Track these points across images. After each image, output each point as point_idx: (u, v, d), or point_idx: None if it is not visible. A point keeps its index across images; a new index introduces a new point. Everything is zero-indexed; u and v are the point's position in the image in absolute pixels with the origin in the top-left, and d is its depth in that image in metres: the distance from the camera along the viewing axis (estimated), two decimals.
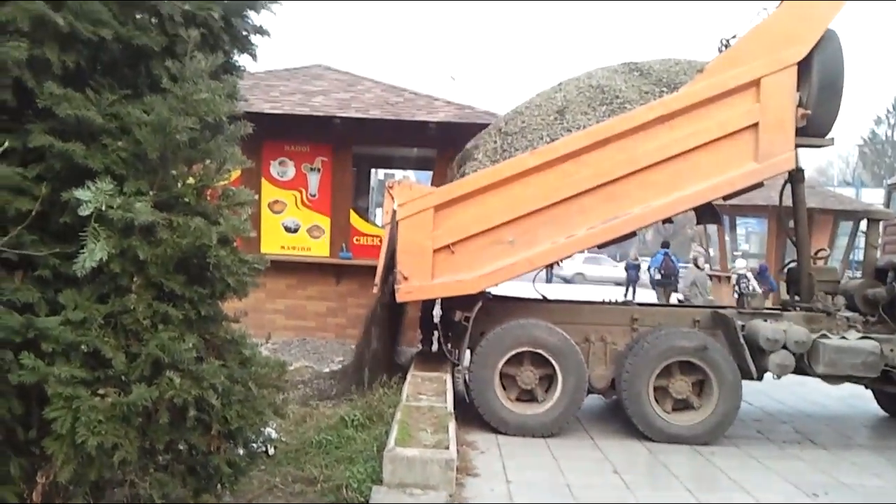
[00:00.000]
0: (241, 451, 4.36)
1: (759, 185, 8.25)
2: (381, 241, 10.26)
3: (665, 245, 21.39)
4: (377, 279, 8.87)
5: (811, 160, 69.67)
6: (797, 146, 8.01)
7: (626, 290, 29.97)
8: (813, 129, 8.08)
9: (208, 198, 4.24)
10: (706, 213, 8.77)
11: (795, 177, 9.18)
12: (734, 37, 8.41)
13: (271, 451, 6.03)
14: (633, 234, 8.33)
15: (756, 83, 7.86)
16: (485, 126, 11.92)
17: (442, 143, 12.37)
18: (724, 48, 8.56)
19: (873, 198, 32.43)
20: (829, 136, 8.25)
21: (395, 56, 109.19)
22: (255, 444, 4.56)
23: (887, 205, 10.11)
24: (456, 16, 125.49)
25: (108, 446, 3.49)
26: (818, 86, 7.94)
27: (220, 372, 3.89)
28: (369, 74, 14.04)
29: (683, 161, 7.85)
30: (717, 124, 7.87)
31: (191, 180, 4.16)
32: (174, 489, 4.03)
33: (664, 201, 7.89)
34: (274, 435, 5.79)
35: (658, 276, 21.09)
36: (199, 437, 4.02)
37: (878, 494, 6.67)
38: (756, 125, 7.87)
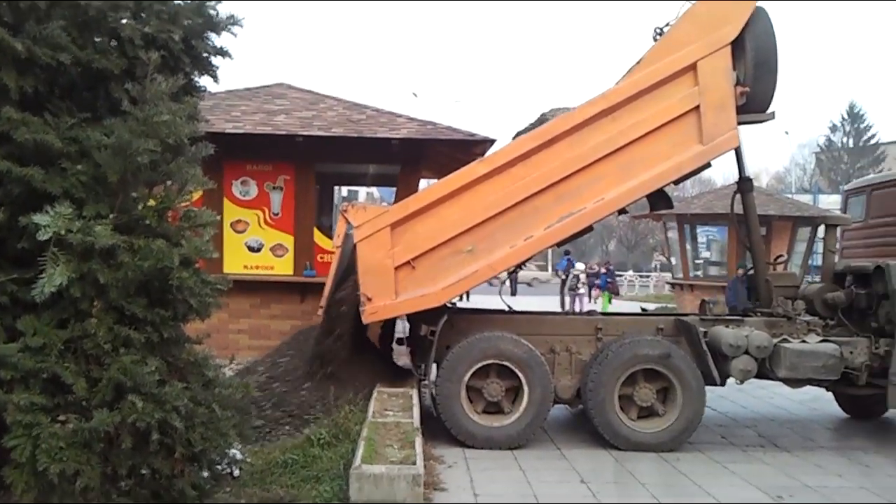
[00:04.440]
0: (205, 474, 4.34)
1: (707, 165, 8.37)
2: None
3: (567, 252, 25.22)
4: (322, 301, 8.83)
5: (769, 167, 70.95)
6: (739, 124, 8.15)
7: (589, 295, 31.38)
8: (753, 105, 8.23)
9: (170, 219, 4.23)
10: (659, 199, 8.88)
11: (744, 186, 9.37)
12: (667, 25, 8.54)
13: (236, 472, 5.97)
14: (590, 228, 8.43)
15: (693, 67, 7.99)
16: (449, 141, 12.04)
17: (405, 160, 12.41)
18: (658, 36, 8.67)
19: (830, 204, 33.03)
20: (769, 111, 8.40)
21: (358, 73, 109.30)
22: (219, 466, 4.54)
23: (844, 210, 10.32)
24: (419, 32, 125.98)
25: (70, 473, 3.47)
26: (753, 62, 8.09)
27: (183, 394, 3.88)
28: (331, 92, 14.05)
29: (631, 151, 7.95)
30: (659, 112, 7.99)
31: (152, 202, 4.16)
32: None
33: (616, 193, 7.98)
34: (239, 456, 5.74)
35: (562, 279, 25.76)
36: (163, 461, 4.00)
37: (841, 495, 6.77)
38: (697, 108, 7.99)
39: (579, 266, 26.76)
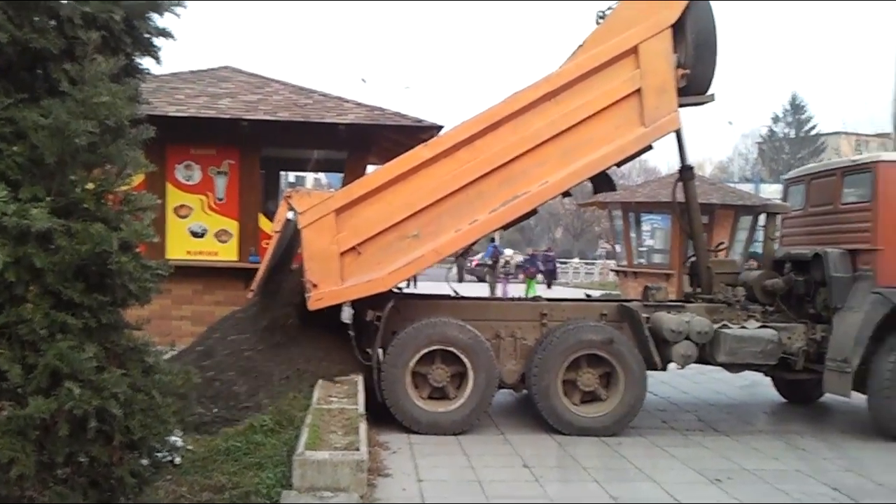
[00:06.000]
0: (144, 462, 4.28)
1: (649, 148, 8.49)
2: None
3: (492, 239, 26.33)
4: (254, 284, 8.76)
5: (713, 157, 72.18)
6: (680, 106, 8.28)
7: (548, 281, 34.78)
8: (694, 87, 8.36)
9: (109, 203, 4.16)
10: (602, 181, 9.00)
11: (686, 174, 9.54)
12: (609, 8, 8.61)
13: (177, 459, 5.92)
14: (535, 211, 8.52)
15: (634, 50, 8.10)
16: (397, 127, 12.00)
17: (352, 145, 12.35)
18: (600, 20, 8.73)
19: (772, 193, 33.77)
20: (709, 93, 8.54)
21: (305, 58, 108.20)
22: (159, 454, 4.49)
23: (785, 199, 10.53)
24: (368, 17, 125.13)
25: (5, 461, 3.40)
26: (693, 45, 8.23)
27: (121, 381, 3.83)
28: (278, 76, 13.89)
29: (574, 134, 8.04)
30: (602, 94, 8.08)
31: (90, 185, 4.08)
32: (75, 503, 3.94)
33: (560, 175, 8.07)
34: (180, 443, 5.69)
35: (489, 264, 27.82)
36: (101, 449, 3.93)
37: (778, 478, 6.93)
38: (639, 91, 8.10)
39: (508, 252, 29.69)
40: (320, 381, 7.97)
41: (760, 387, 10.66)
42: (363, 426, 6.54)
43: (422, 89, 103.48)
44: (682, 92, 8.25)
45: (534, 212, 8.52)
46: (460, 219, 7.93)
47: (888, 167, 8.45)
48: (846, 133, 53.06)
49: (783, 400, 10.45)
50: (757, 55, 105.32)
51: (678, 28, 8.20)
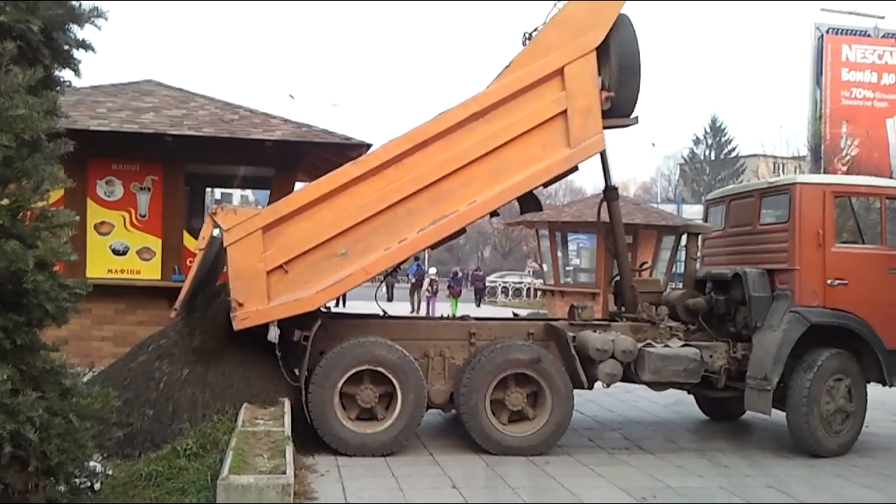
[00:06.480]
0: (62, 488, 4.13)
1: (575, 169, 8.63)
2: None
3: (416, 258, 26.87)
4: (177, 303, 8.58)
5: (637, 178, 73.77)
6: (605, 128, 8.40)
7: (477, 299, 35.90)
8: (618, 110, 8.51)
9: (25, 219, 4.02)
10: (528, 201, 9.09)
11: (610, 195, 9.71)
12: (535, 30, 8.75)
13: (97, 485, 5.71)
14: (463, 230, 8.54)
15: (560, 72, 8.20)
16: (325, 144, 11.91)
17: (280, 162, 12.20)
18: (526, 41, 8.85)
19: (693, 213, 34.62)
20: (633, 116, 8.71)
21: (231, 73, 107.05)
22: (77, 480, 4.33)
23: (706, 219, 10.77)
24: (296, 34, 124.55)
25: None
26: (617, 68, 8.39)
27: (37, 404, 3.70)
28: (203, 91, 13.66)
29: (502, 154, 8.11)
30: (528, 115, 8.17)
31: (5, 201, 3.95)
32: None
33: (488, 195, 8.12)
34: (99, 468, 5.49)
35: (412, 282, 29.29)
36: (16, 475, 3.79)
37: (702, 495, 7.06)
38: (565, 112, 8.20)
39: (432, 271, 30.82)
40: (246, 403, 7.81)
41: (684, 404, 10.85)
42: (290, 449, 6.43)
43: (350, 106, 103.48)
44: (606, 114, 8.38)
45: (463, 231, 8.55)
46: (389, 237, 7.90)
47: (804, 189, 8.74)
48: (764, 155, 54.77)
49: (706, 417, 10.65)
50: (679, 77, 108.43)
51: (603, 51, 8.35)
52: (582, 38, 8.23)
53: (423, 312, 25.79)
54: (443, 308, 26.62)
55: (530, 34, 8.81)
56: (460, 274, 33.69)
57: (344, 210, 7.80)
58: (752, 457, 8.55)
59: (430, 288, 29.20)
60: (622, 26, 8.43)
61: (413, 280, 29.66)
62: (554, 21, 8.41)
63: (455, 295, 29.29)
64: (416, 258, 26.58)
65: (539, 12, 9.41)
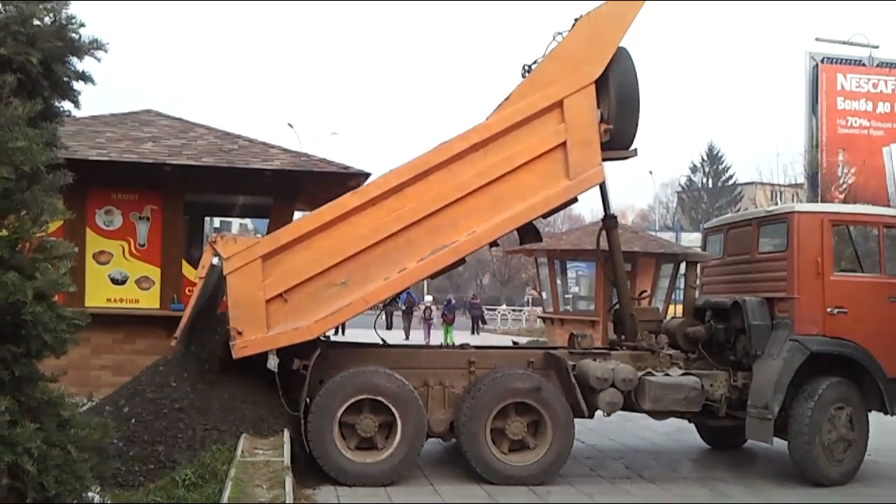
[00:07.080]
0: None
1: (574, 200, 8.69)
2: None
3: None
4: (178, 332, 8.56)
5: (635, 205, 73.90)
6: (604, 160, 8.45)
7: (473, 327, 36.16)
8: (617, 142, 8.57)
9: (24, 251, 4.02)
10: (528, 232, 9.12)
11: (609, 223, 9.73)
12: (535, 62, 8.82)
13: None
14: (463, 260, 8.55)
15: (559, 104, 8.26)
16: (323, 174, 11.95)
17: (279, 191, 12.23)
18: (526, 73, 8.92)
19: (692, 241, 34.58)
20: (632, 148, 8.77)
21: (230, 103, 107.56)
22: None
23: (704, 248, 10.80)
24: (295, 63, 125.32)
25: None
26: (616, 101, 8.45)
27: (35, 436, 3.67)
28: (202, 121, 13.71)
29: (501, 185, 8.15)
30: (528, 147, 8.22)
31: (4, 232, 3.95)
32: None
33: (488, 226, 8.15)
34: (97, 499, 5.45)
35: (403, 308, 30.72)
36: None
37: None
38: (564, 144, 8.25)
39: (428, 298, 32.63)
40: (245, 433, 7.77)
41: (685, 433, 10.79)
42: (289, 479, 6.39)
43: (349, 135, 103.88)
44: (605, 146, 8.43)
45: (462, 261, 8.56)
46: (389, 267, 7.91)
47: (802, 217, 8.77)
48: (761, 183, 54.80)
49: (707, 446, 10.59)
50: (676, 105, 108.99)
51: (602, 84, 8.41)
52: (581, 71, 8.29)
53: (422, 340, 25.62)
54: (436, 336, 26.64)
55: (530, 66, 8.87)
56: (454, 301, 33.71)
57: (344, 239, 7.82)
58: (753, 486, 8.52)
59: (423, 315, 29.69)
60: (621, 59, 8.49)
61: (403, 307, 31.06)
62: (553, 54, 8.48)
63: (448, 322, 29.23)
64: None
65: (538, 44, 9.45)
